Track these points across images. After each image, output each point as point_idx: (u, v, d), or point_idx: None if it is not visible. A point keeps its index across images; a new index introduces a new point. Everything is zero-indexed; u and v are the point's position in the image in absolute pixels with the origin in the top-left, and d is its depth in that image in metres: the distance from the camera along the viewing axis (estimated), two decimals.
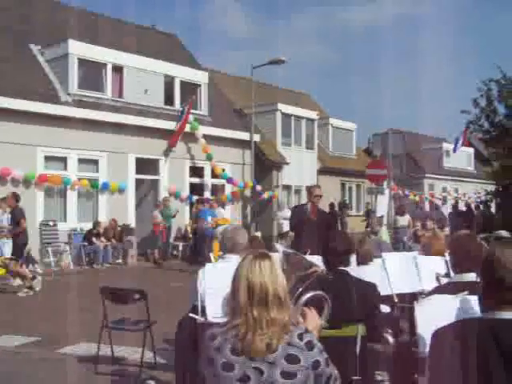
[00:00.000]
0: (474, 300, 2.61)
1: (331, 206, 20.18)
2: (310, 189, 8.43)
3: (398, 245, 15.14)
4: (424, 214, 24.85)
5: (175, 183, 17.94)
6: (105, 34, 18.34)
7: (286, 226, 16.14)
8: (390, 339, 3.81)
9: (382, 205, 16.36)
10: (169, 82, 18.41)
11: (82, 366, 5.88)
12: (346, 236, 4.03)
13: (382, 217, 15.94)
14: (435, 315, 2.80)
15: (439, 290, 3.53)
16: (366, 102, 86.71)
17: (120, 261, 15.91)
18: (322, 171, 23.81)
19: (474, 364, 1.84)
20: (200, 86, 19.31)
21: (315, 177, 22.58)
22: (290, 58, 23.52)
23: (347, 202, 25.13)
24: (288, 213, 15.53)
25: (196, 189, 18.85)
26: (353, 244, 4.06)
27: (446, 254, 5.02)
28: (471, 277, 3.25)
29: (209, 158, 18.54)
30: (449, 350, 1.92)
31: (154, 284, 11.35)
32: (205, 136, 18.34)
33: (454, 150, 29.45)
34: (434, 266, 4.88)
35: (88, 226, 15.60)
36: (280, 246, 3.67)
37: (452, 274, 3.69)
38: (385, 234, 15.32)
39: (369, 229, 19.75)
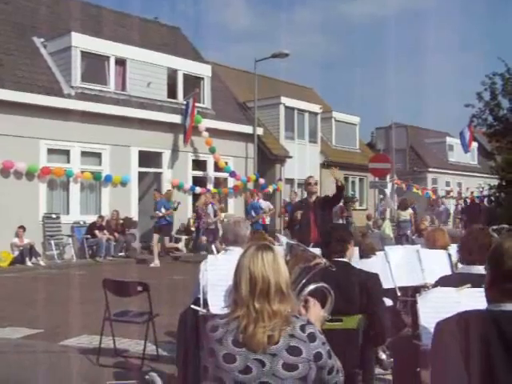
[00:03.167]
0: (477, 293, 2.59)
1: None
2: (305, 181, 8.54)
3: (400, 239, 15.13)
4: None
5: (178, 176, 17.93)
6: (108, 27, 18.30)
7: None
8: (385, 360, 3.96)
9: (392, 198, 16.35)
10: (172, 75, 18.35)
11: (84, 358, 5.88)
12: (341, 229, 4.00)
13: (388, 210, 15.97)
14: (438, 308, 2.79)
15: (444, 280, 3.52)
16: (370, 95, 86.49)
17: (123, 254, 15.91)
18: (325, 165, 23.73)
19: (476, 356, 1.83)
20: (203, 79, 19.26)
21: (318, 170, 22.51)
22: (292, 51, 23.35)
23: (354, 195, 24.86)
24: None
25: (199, 182, 18.83)
26: (348, 235, 3.99)
27: (450, 248, 5.01)
28: (478, 270, 3.24)
29: (212, 151, 18.51)
30: (451, 341, 1.91)
31: (157, 276, 11.36)
32: (208, 129, 18.30)
33: (466, 151, 29.15)
34: (437, 260, 4.86)
35: (91, 218, 15.61)
36: (283, 237, 3.66)
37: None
38: (388, 228, 15.33)
39: (370, 222, 19.72)
